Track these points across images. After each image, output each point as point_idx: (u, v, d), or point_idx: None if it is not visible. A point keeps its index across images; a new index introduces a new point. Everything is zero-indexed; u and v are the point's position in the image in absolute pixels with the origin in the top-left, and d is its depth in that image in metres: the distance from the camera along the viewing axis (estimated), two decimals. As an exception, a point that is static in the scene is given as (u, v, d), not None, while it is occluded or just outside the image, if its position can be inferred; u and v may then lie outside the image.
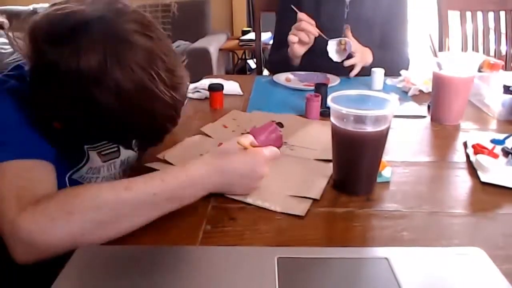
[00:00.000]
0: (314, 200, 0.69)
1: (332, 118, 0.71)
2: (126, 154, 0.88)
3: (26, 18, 0.62)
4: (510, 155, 0.83)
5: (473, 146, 0.87)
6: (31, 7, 3.48)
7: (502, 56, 1.86)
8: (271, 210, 0.66)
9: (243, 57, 3.72)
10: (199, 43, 3.17)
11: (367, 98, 0.72)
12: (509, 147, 0.86)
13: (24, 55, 0.63)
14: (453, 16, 1.82)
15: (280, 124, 0.99)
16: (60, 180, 0.67)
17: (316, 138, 0.92)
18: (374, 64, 1.35)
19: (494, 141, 0.90)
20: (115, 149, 0.85)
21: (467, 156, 0.85)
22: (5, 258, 0.55)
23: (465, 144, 0.90)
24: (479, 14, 1.85)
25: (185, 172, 0.64)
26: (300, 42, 1.36)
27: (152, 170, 0.69)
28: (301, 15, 1.34)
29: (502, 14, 1.84)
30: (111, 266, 0.53)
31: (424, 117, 1.09)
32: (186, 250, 0.57)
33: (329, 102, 0.69)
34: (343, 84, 1.33)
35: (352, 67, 1.38)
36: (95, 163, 0.81)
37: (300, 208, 0.66)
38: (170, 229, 0.62)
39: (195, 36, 3.35)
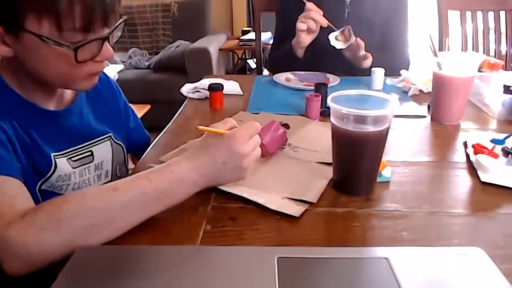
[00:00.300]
0: (311, 203, 0.68)
1: (332, 118, 0.70)
2: (101, 158, 0.85)
3: None
4: (510, 155, 0.83)
5: (473, 146, 0.87)
6: None
7: (502, 56, 1.86)
8: (271, 210, 0.66)
9: (243, 57, 3.72)
10: (199, 43, 3.17)
11: (367, 98, 0.72)
12: (509, 147, 0.86)
13: None
14: (453, 16, 1.82)
15: (287, 126, 0.98)
16: (31, 193, 0.64)
17: (320, 140, 0.90)
18: (374, 64, 1.35)
19: (494, 141, 0.90)
20: (88, 153, 0.83)
21: (467, 156, 0.85)
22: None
23: (465, 144, 0.90)
24: (479, 14, 1.85)
25: (169, 168, 0.64)
26: (308, 30, 1.36)
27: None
28: (309, 5, 1.35)
29: (502, 14, 1.84)
30: (110, 266, 0.53)
31: (424, 117, 1.09)
32: (186, 250, 0.57)
33: (329, 102, 0.69)
34: (343, 84, 1.33)
35: (353, 66, 1.38)
36: (64, 170, 0.77)
37: (295, 209, 0.66)
38: (170, 229, 0.62)
39: (195, 36, 3.34)
